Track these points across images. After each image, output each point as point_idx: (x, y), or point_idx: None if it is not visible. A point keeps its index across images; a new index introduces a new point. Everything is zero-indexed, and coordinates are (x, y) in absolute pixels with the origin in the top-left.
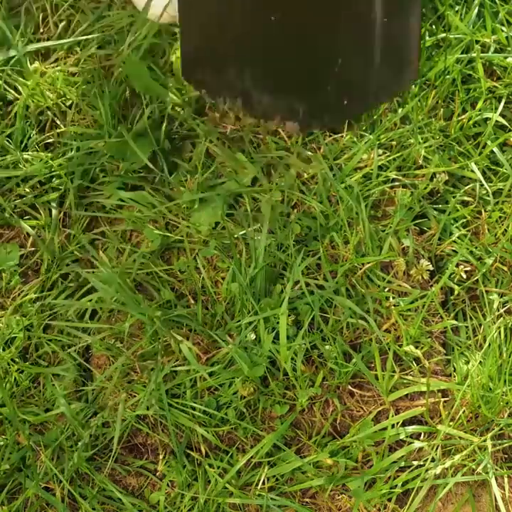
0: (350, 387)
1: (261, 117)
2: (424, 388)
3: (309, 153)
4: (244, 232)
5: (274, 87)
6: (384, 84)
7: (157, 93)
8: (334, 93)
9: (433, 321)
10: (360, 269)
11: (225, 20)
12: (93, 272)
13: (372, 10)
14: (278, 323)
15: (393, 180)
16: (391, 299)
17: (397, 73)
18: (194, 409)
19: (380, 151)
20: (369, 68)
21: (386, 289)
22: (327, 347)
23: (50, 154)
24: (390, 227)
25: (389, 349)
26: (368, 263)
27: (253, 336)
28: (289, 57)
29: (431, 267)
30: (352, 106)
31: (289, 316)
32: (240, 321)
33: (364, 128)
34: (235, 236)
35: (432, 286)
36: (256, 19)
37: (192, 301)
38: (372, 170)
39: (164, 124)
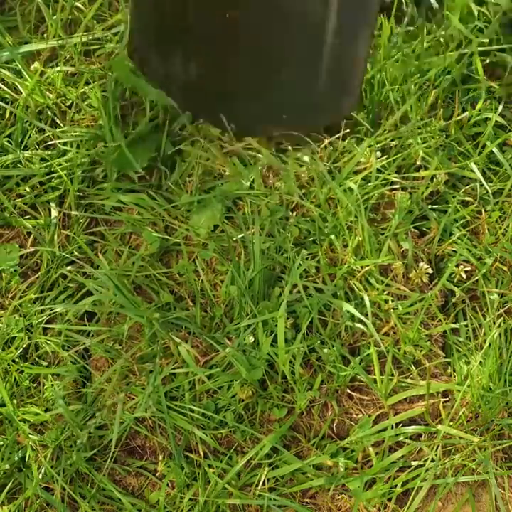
0: (349, 391)
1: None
2: (423, 392)
3: (309, 156)
4: (242, 235)
5: (218, 87)
6: (325, 107)
7: (145, 92)
8: (273, 104)
9: (432, 324)
10: (359, 272)
11: (180, 7)
12: (91, 275)
13: (324, 30)
14: (276, 326)
15: (392, 182)
16: (390, 302)
17: (339, 99)
18: (192, 411)
19: (379, 154)
20: (312, 87)
21: (385, 292)
22: (325, 350)
23: (49, 152)
24: (389, 230)
25: (388, 353)
26: (367, 266)
27: (251, 339)
28: (235, 58)
29: (430, 270)
30: (290, 122)
31: (287, 319)
32: (238, 323)
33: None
34: (234, 239)
35: (431, 289)
36: (211, 12)
37: (191, 304)
38: (371, 173)
39: (166, 128)
